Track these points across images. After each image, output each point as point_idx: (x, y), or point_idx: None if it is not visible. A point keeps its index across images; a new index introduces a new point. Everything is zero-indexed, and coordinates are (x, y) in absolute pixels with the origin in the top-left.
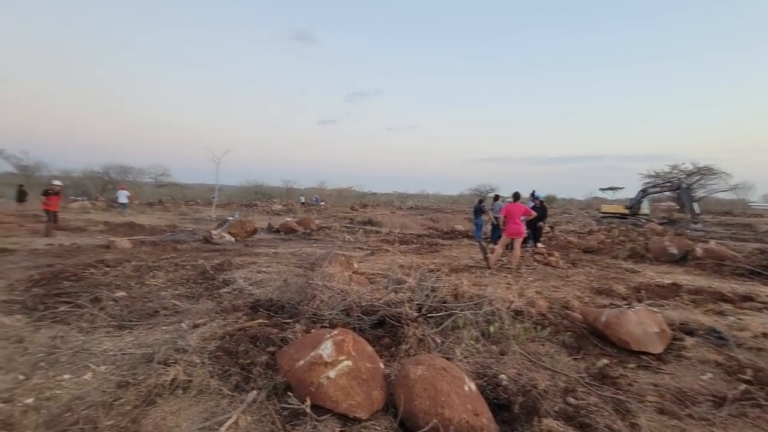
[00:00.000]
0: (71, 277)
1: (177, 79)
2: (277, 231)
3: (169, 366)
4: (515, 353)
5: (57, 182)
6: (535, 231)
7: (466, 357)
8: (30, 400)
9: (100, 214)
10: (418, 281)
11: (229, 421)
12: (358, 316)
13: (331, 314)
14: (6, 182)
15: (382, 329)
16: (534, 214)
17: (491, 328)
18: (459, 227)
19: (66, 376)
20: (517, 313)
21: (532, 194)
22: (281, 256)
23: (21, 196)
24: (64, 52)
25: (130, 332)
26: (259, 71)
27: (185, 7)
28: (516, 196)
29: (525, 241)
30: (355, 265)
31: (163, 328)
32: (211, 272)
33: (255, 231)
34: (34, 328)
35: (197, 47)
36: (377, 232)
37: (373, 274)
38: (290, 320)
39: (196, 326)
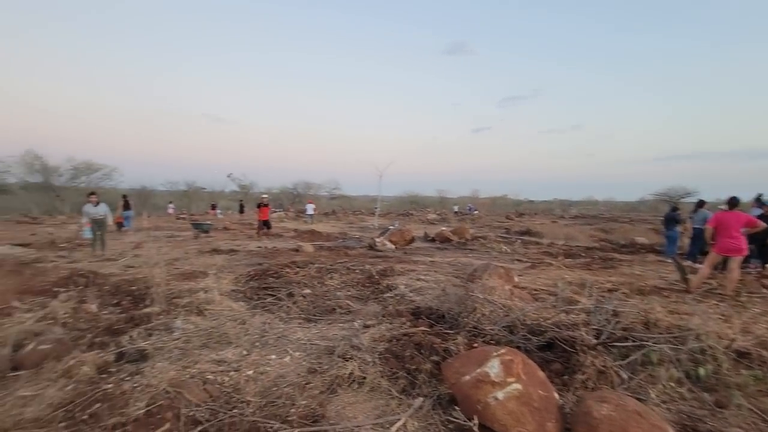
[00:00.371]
0: (273, 275)
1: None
2: (433, 240)
3: (347, 360)
4: (741, 408)
5: (265, 196)
6: (763, 248)
7: (664, 402)
8: (250, 372)
9: (291, 223)
10: (596, 302)
11: (399, 423)
12: (524, 335)
13: (492, 330)
14: (232, 198)
15: (551, 353)
16: (762, 225)
17: (701, 370)
18: (641, 239)
19: (272, 357)
20: (741, 355)
21: (758, 199)
22: (438, 265)
23: (241, 209)
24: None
25: (315, 325)
26: (415, 87)
27: (345, 34)
28: (733, 203)
29: (747, 260)
30: (516, 279)
31: (340, 324)
32: (377, 277)
33: (413, 239)
34: (251, 313)
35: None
36: (537, 243)
37: (536, 290)
38: (450, 331)
39: (366, 327)
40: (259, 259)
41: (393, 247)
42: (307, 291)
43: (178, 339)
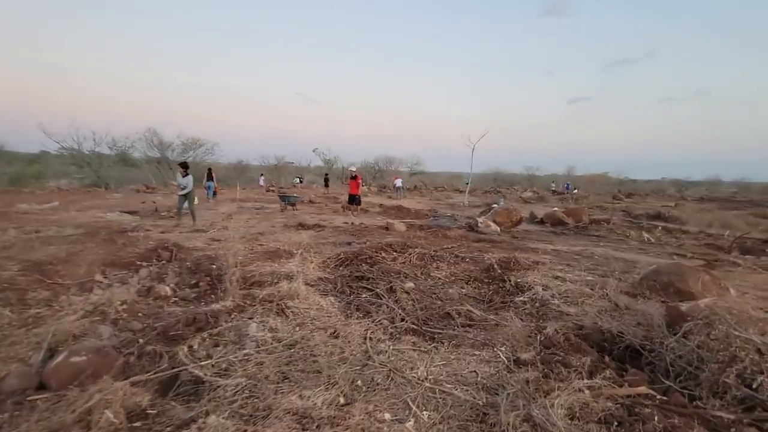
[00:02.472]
0: (367, 260)
1: (426, 69)
2: (542, 222)
3: None
4: None
5: (353, 168)
6: None
7: None
8: None
9: (374, 198)
10: None
11: None
12: None
13: None
14: (317, 172)
15: None
16: None
17: None
18: None
19: (386, 416)
20: None
21: None
22: (567, 257)
23: (326, 183)
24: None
25: (436, 348)
26: (504, 55)
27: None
28: None
29: None
30: (732, 292)
31: (475, 353)
32: (499, 271)
33: (521, 221)
34: (344, 316)
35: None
36: (683, 231)
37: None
38: (681, 389)
39: (518, 363)
40: (347, 237)
41: (497, 228)
42: (410, 285)
43: (248, 359)
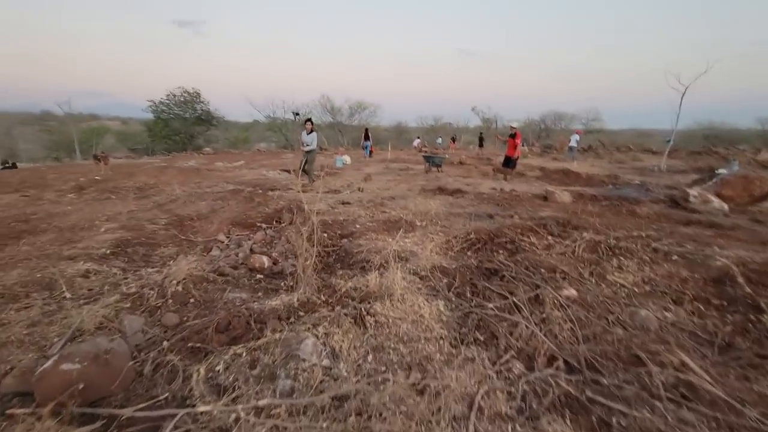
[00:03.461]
0: (507, 245)
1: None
2: None
3: None
4: None
5: (515, 125)
6: None
7: None
8: None
9: (535, 159)
10: None
11: None
12: None
13: None
14: (475, 133)
15: None
16: None
17: None
18: None
19: None
20: None
21: None
22: None
23: (480, 142)
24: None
25: None
26: None
27: None
28: None
29: None
30: None
31: None
32: (746, 288)
33: (766, 196)
34: (454, 343)
35: None
36: None
37: None
38: None
39: None
40: (490, 207)
41: (724, 206)
42: (571, 292)
43: (280, 410)
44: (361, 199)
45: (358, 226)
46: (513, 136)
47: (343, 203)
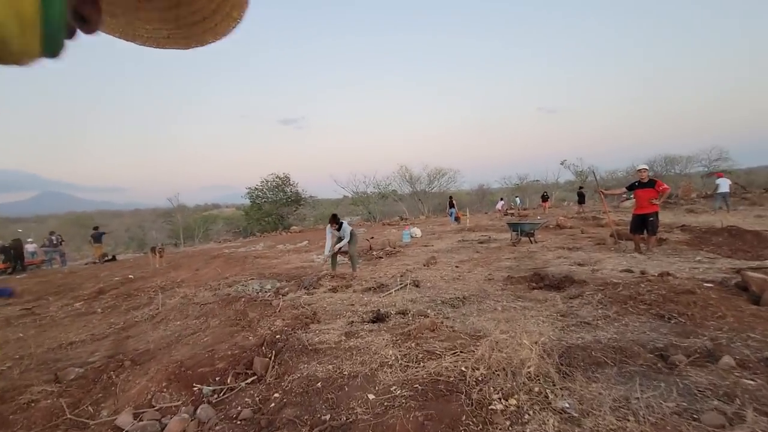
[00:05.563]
0: None
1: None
2: None
3: None
4: None
5: (644, 167)
6: None
7: None
8: None
9: (662, 213)
10: None
11: None
12: None
13: None
14: (567, 188)
15: None
16: None
17: None
18: None
19: None
20: None
21: None
22: None
23: (581, 198)
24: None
25: None
26: None
27: None
28: None
29: None
30: None
31: None
32: None
33: None
34: None
35: None
36: None
37: None
38: None
39: None
40: (653, 324)
41: None
42: None
43: None
44: (406, 308)
45: (361, 407)
46: (650, 183)
47: (372, 320)
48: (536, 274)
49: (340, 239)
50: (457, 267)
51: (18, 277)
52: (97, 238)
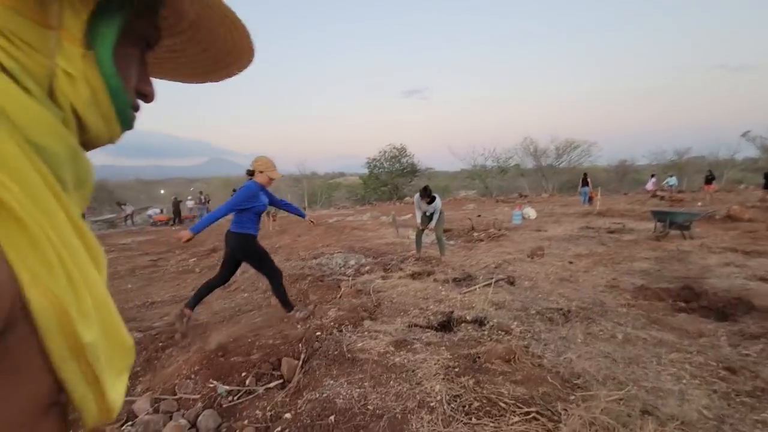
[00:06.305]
0: None
1: None
2: None
3: None
4: None
5: None
6: None
7: None
8: None
9: None
10: None
11: None
12: None
13: None
14: (747, 167)
15: None
16: None
17: None
18: None
19: None
20: None
21: None
22: None
23: None
24: None
25: None
26: None
27: None
28: None
29: None
30: None
31: None
32: None
33: None
34: None
35: None
36: None
37: None
38: None
39: None
40: None
41: None
42: None
43: None
44: (486, 315)
45: None
46: None
47: (438, 326)
48: (687, 287)
49: (428, 216)
50: (570, 263)
51: (174, 228)
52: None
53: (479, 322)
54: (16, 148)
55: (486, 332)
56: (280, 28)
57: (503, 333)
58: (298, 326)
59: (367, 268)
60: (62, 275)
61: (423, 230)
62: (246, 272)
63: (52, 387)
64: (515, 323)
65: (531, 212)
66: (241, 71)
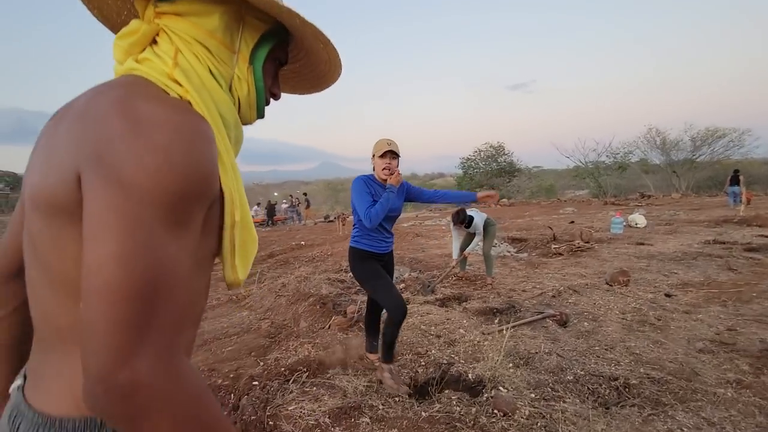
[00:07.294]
0: None
1: None
2: None
3: None
4: None
5: None
6: None
7: None
8: None
9: None
10: None
11: None
12: None
13: None
14: None
15: None
16: None
17: None
18: None
19: None
20: None
21: None
22: None
23: None
24: None
25: None
26: None
27: None
28: None
29: None
30: None
31: None
32: None
33: None
34: None
35: None
36: None
37: None
38: None
39: None
40: None
41: None
42: None
43: None
44: (495, 375)
45: None
46: None
47: (416, 387)
48: None
49: (471, 236)
50: (667, 296)
51: (265, 229)
52: (308, 202)
53: (476, 388)
54: (217, 115)
55: (475, 409)
56: (380, 36)
57: (499, 415)
58: (260, 364)
59: (402, 286)
60: (233, 179)
61: (464, 259)
62: (278, 282)
63: (216, 246)
64: (531, 395)
65: (639, 219)
66: (336, 81)
